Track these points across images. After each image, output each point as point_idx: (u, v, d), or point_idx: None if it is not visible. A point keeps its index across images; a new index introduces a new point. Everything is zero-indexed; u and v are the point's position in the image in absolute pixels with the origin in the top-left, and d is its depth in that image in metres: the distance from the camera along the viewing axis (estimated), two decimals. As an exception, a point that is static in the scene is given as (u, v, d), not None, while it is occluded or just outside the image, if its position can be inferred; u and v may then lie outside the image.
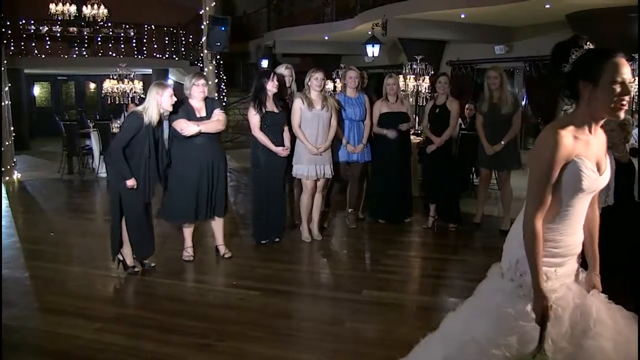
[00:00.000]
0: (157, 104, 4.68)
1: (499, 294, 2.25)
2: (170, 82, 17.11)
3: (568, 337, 2.13)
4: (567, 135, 2.04)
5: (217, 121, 5.09)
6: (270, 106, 5.51)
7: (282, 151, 5.58)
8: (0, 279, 4.03)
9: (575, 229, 2.18)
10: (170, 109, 4.79)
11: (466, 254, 5.78)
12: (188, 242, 5.31)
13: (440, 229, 6.49)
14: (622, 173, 4.26)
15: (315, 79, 5.67)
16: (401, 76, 9.41)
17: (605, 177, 2.18)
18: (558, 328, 2.12)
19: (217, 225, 5.38)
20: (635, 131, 5.76)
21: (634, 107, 7.96)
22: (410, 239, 6.26)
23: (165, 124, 5.00)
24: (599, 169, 2.14)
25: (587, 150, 2.09)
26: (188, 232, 5.31)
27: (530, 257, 2.12)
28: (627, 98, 2.00)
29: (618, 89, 1.99)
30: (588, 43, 2.09)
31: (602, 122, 2.11)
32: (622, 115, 2.02)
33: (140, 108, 4.74)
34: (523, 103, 12.65)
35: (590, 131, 2.11)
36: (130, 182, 4.63)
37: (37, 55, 15.17)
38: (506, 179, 6.43)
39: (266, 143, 5.51)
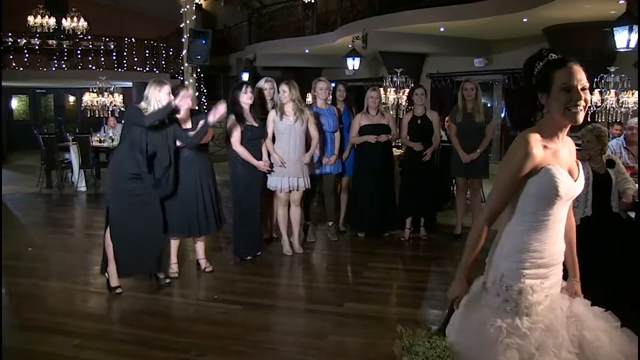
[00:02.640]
0: (155, 98, 4.55)
1: (485, 310, 2.23)
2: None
3: (568, 346, 2.13)
4: (536, 145, 2.07)
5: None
6: (250, 120, 5.48)
7: (263, 165, 5.56)
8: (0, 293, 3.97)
9: (557, 237, 2.20)
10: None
11: (447, 265, 5.79)
12: (173, 258, 5.23)
13: (420, 240, 6.54)
14: (599, 184, 4.35)
15: (282, 91, 5.65)
16: (382, 89, 9.49)
17: (580, 183, 2.21)
18: (554, 339, 2.12)
19: (199, 239, 5.33)
20: (611, 142, 5.85)
21: (610, 119, 8.10)
22: (391, 251, 6.26)
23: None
24: (571, 176, 2.18)
25: (557, 159, 2.12)
26: (174, 248, 5.22)
27: (469, 251, 2.23)
28: (581, 102, 2.04)
29: (567, 94, 2.04)
30: (551, 55, 2.11)
31: (566, 129, 2.15)
32: (579, 119, 2.06)
33: (143, 104, 4.59)
34: (502, 115, 12.82)
35: (558, 139, 2.15)
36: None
37: (15, 68, 15.01)
38: (478, 187, 6.71)
39: (248, 158, 5.48)
